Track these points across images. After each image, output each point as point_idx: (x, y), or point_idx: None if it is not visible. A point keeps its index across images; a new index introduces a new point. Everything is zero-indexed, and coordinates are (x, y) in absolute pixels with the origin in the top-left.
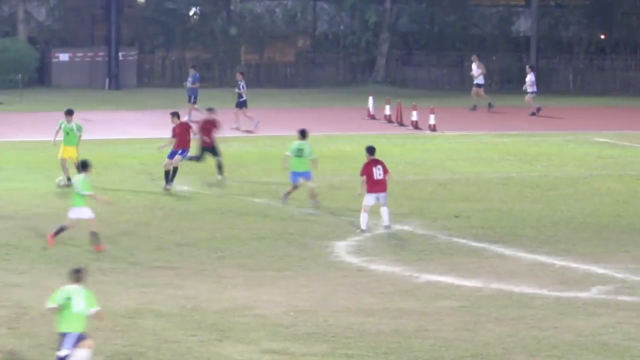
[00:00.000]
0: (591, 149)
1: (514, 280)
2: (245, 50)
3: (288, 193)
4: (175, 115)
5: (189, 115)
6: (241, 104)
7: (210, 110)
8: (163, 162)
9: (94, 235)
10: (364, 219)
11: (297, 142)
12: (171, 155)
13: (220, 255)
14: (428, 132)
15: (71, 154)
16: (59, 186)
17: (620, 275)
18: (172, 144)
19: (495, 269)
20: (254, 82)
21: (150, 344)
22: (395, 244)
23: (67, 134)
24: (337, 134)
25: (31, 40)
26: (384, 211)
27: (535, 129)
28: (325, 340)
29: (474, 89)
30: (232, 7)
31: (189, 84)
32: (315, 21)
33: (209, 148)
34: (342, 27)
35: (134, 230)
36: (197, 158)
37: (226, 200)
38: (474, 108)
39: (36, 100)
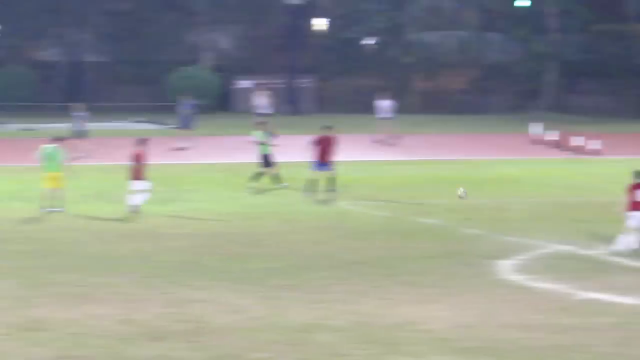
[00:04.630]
0: None
1: None
2: (418, 78)
3: None
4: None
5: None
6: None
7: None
8: None
9: None
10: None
11: None
12: None
13: (390, 273)
14: (593, 156)
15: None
16: None
17: None
18: None
19: None
20: (426, 108)
21: (323, 358)
22: (557, 263)
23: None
24: (501, 158)
25: (216, 69)
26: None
27: None
28: (490, 354)
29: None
30: (406, 37)
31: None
32: (485, 51)
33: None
34: (510, 57)
35: (310, 248)
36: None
37: (396, 221)
38: None
39: (216, 125)
